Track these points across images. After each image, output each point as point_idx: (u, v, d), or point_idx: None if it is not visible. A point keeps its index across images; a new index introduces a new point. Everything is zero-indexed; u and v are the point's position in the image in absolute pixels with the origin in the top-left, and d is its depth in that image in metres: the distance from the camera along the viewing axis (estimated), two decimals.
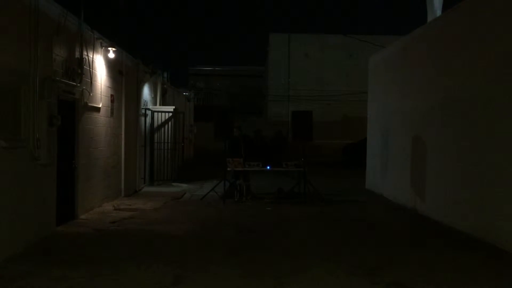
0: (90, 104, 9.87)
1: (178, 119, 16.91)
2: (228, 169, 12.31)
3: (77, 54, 9.14)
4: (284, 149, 15.34)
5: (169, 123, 15.89)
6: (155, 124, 15.68)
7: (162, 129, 15.81)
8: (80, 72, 9.20)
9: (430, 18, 18.60)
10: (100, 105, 10.56)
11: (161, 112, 15.87)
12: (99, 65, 10.47)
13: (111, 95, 11.43)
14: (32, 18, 7.30)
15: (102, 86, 10.67)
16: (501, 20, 8.07)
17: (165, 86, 18.34)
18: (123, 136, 12.45)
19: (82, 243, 7.67)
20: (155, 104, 16.45)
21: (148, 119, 15.32)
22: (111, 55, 10.85)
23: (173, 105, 17.42)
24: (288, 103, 33.01)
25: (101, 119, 10.75)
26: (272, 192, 13.27)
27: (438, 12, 18.50)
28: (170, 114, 15.91)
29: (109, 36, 10.85)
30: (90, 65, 9.74)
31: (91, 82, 9.86)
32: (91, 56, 9.80)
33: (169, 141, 15.84)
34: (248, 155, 12.63)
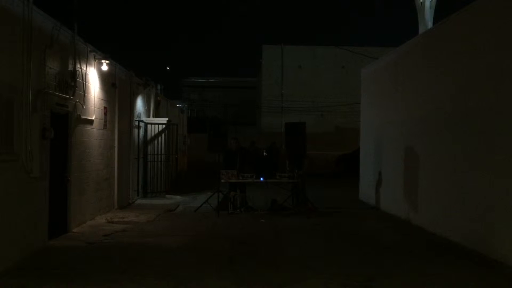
0: (83, 117, 9.85)
1: (171, 131, 16.90)
2: (222, 181, 12.30)
3: (70, 67, 9.15)
4: (278, 160, 15.36)
5: (163, 135, 15.87)
6: (149, 136, 15.65)
7: (156, 141, 15.79)
8: (73, 84, 9.19)
9: (421, 30, 18.77)
10: (93, 118, 10.54)
11: (155, 124, 15.85)
12: (92, 77, 10.47)
13: (104, 108, 11.41)
14: (25, 31, 7.30)
15: (95, 99, 10.67)
16: (492, 32, 8.18)
17: (158, 98, 18.36)
18: (116, 148, 12.42)
19: (75, 257, 7.60)
20: (148, 116, 16.44)
21: (142, 131, 15.30)
22: (104, 67, 10.86)
23: (166, 117, 17.41)
24: (282, 114, 33.10)
25: (94, 132, 10.73)
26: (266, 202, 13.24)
27: (429, 24, 18.69)
28: (164, 126, 15.90)
29: (103, 48, 10.88)
30: (83, 77, 9.74)
31: (84, 95, 9.85)
32: (84, 69, 9.80)
33: (163, 153, 15.81)
34: (244, 166, 12.61)
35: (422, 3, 19.09)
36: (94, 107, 10.59)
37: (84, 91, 9.83)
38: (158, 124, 15.89)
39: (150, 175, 15.50)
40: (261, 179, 12.51)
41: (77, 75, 9.35)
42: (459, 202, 8.97)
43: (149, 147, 15.64)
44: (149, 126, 15.67)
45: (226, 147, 12.89)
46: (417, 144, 11.08)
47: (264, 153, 13.37)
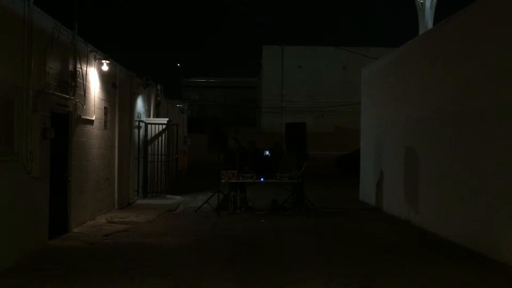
0: (83, 117, 9.85)
1: (171, 131, 16.89)
2: (222, 181, 12.29)
3: (70, 67, 9.15)
4: (281, 160, 15.32)
5: (163, 135, 15.87)
6: (149, 136, 15.65)
7: (156, 141, 15.78)
8: (74, 85, 9.20)
9: (422, 30, 18.79)
10: (94, 118, 10.55)
11: (155, 124, 15.85)
12: (93, 77, 10.47)
13: (105, 108, 11.42)
14: (26, 31, 7.31)
15: (96, 99, 10.67)
16: (492, 32, 8.18)
17: (158, 98, 18.35)
18: (116, 148, 12.42)
19: (75, 257, 7.60)
20: (148, 116, 16.44)
21: (142, 131, 15.30)
22: (105, 67, 10.86)
23: (166, 117, 17.40)
24: (282, 114, 33.12)
25: (95, 132, 10.73)
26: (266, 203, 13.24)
27: (430, 24, 18.69)
28: (164, 126, 15.90)
29: (103, 48, 10.88)
30: (84, 77, 9.74)
31: (85, 95, 9.86)
32: (85, 69, 9.81)
33: (163, 153, 15.81)
34: (244, 166, 12.61)
35: (423, 3, 19.10)
36: (94, 107, 10.59)
37: (85, 91, 9.83)
38: (159, 124, 15.89)
39: (150, 175, 15.50)
40: (261, 179, 12.52)
41: (78, 75, 9.35)
42: (459, 202, 8.97)
43: (149, 147, 15.63)
44: (149, 126, 15.67)
45: (227, 147, 12.88)
46: (417, 144, 11.08)
47: (266, 153, 13.33)
